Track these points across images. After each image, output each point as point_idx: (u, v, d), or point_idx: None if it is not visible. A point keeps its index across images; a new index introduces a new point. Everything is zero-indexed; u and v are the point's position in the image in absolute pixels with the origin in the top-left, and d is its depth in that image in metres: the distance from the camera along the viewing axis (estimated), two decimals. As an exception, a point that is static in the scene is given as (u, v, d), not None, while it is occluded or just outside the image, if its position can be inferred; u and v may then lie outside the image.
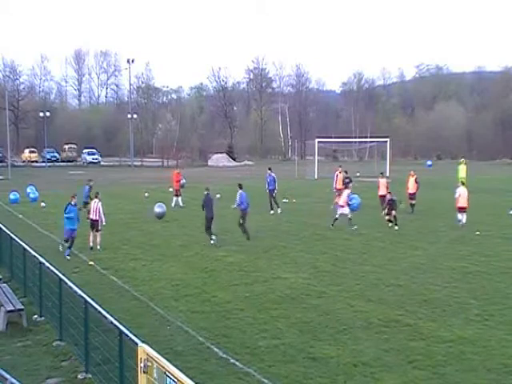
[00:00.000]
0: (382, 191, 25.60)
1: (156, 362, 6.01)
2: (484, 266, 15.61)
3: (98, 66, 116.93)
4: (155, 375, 6.01)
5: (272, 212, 26.66)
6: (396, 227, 21.63)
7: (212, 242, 19.02)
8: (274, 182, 26.56)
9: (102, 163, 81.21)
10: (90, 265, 16.36)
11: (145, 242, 20.06)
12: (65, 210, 17.58)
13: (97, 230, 18.60)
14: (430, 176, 47.20)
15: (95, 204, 18.54)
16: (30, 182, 39.44)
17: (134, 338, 6.99)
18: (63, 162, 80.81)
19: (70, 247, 17.47)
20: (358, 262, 16.52)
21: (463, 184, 23.08)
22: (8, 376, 7.82)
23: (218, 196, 31.03)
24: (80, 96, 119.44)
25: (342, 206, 21.77)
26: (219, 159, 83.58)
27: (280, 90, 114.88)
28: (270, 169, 27.23)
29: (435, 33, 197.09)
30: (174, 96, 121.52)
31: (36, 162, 79.88)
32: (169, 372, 5.69)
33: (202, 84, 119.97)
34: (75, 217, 17.51)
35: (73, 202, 17.52)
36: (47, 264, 11.42)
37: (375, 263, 16.21)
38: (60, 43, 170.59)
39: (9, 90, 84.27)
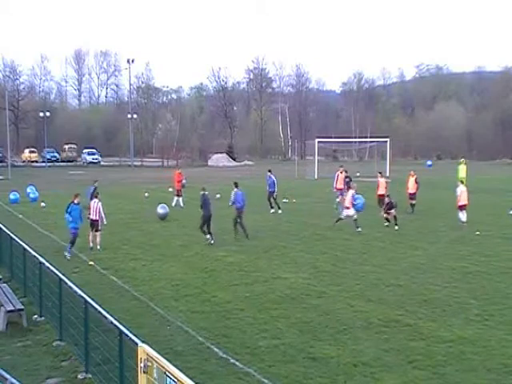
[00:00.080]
0: (381, 190, 25.70)
1: (156, 361, 6.01)
2: (484, 266, 15.61)
3: (97, 65, 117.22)
4: (155, 375, 6.01)
5: (272, 211, 26.68)
6: (396, 227, 21.62)
7: (207, 241, 19.05)
8: (274, 184, 26.53)
9: (102, 163, 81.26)
10: (90, 265, 16.36)
11: (145, 242, 20.06)
12: (67, 209, 17.59)
13: (96, 230, 18.61)
14: (430, 176, 47.21)
15: (95, 204, 18.54)
16: (29, 181, 39.47)
17: (134, 337, 6.99)
18: (63, 161, 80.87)
19: (72, 244, 17.42)
20: (358, 262, 16.52)
21: (462, 183, 23.13)
22: (8, 376, 7.82)
23: (218, 196, 31.07)
24: (80, 96, 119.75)
25: (348, 208, 21.59)
26: (219, 159, 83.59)
27: (280, 90, 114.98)
28: (270, 171, 27.09)
29: (435, 33, 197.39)
30: (174, 96, 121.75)
31: (36, 161, 79.93)
32: (169, 372, 5.69)
33: (202, 84, 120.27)
34: (78, 215, 17.53)
35: (76, 201, 17.53)
36: (47, 264, 11.42)
37: (375, 263, 16.21)
38: (60, 43, 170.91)
39: (9, 89, 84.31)
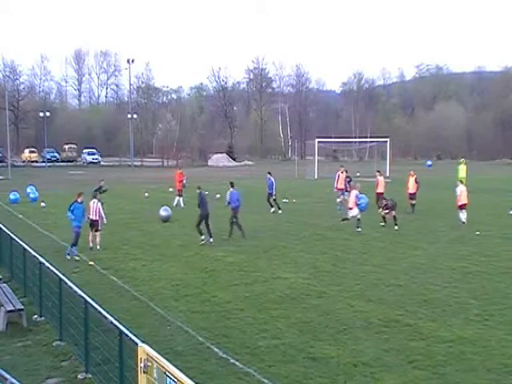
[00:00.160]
0: (381, 189, 25.75)
1: (156, 362, 6.01)
2: (484, 266, 15.61)
3: (97, 65, 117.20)
4: (155, 375, 6.01)
5: (272, 210, 26.73)
6: (396, 227, 21.62)
7: (202, 241, 19.05)
8: (272, 186, 26.65)
9: (102, 163, 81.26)
10: (90, 265, 16.35)
11: (145, 242, 20.06)
12: (69, 207, 17.59)
13: (96, 230, 18.61)
14: (430, 176, 47.22)
15: (94, 204, 18.53)
16: (30, 181, 39.45)
17: (134, 337, 6.98)
18: (63, 161, 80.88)
19: (73, 244, 17.41)
20: (358, 262, 16.52)
21: (462, 183, 23.16)
22: (8, 376, 7.81)
23: (218, 196, 31.06)
24: (80, 96, 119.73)
25: (351, 208, 21.52)
26: (219, 159, 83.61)
27: (280, 90, 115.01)
28: (269, 173, 27.27)
29: (435, 33, 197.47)
30: (174, 96, 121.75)
31: (36, 161, 79.94)
32: (169, 372, 5.69)
33: (202, 84, 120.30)
34: (81, 215, 17.57)
35: (79, 200, 17.55)
36: (47, 264, 11.42)
37: (375, 263, 16.21)
38: (60, 43, 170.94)
39: (9, 89, 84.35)
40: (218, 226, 20.49)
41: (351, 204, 21.51)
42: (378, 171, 27.56)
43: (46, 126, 77.57)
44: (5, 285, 13.03)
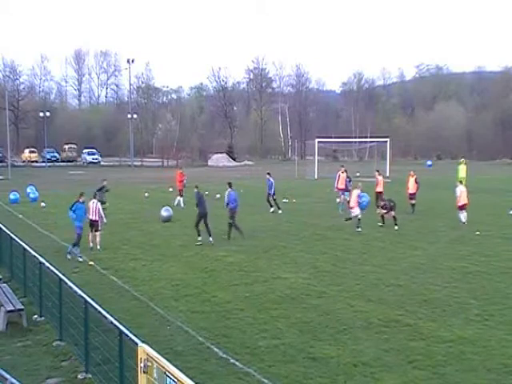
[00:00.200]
0: (380, 188, 25.79)
1: (156, 362, 6.01)
2: (484, 266, 15.61)
3: (97, 65, 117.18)
4: (155, 375, 6.01)
5: (272, 209, 26.75)
6: (396, 227, 21.62)
7: (199, 242, 19.05)
8: (272, 186, 26.71)
9: (102, 163, 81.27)
10: (90, 265, 16.36)
11: (145, 242, 20.06)
12: (71, 207, 17.59)
13: (96, 230, 18.60)
14: (430, 176, 47.22)
15: (93, 204, 18.52)
16: (30, 182, 39.46)
17: (134, 338, 6.98)
18: (63, 161, 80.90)
19: (75, 245, 17.41)
20: (358, 262, 16.52)
21: (461, 183, 23.15)
22: (8, 376, 7.82)
23: (218, 196, 31.04)
24: (80, 96, 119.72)
25: (352, 208, 21.53)
26: (219, 159, 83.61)
27: (280, 90, 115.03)
28: (268, 173, 27.34)
29: (435, 33, 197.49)
30: (174, 96, 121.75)
31: (36, 161, 79.94)
32: (169, 372, 5.69)
33: (202, 84, 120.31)
34: (83, 214, 17.59)
35: (81, 200, 17.56)
36: (47, 264, 11.42)
37: (375, 263, 16.21)
38: (60, 43, 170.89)
39: (9, 89, 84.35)
40: (218, 226, 20.48)
41: (352, 203, 21.54)
42: (377, 171, 27.60)
43: (46, 126, 77.58)
44: (5, 285, 13.03)
